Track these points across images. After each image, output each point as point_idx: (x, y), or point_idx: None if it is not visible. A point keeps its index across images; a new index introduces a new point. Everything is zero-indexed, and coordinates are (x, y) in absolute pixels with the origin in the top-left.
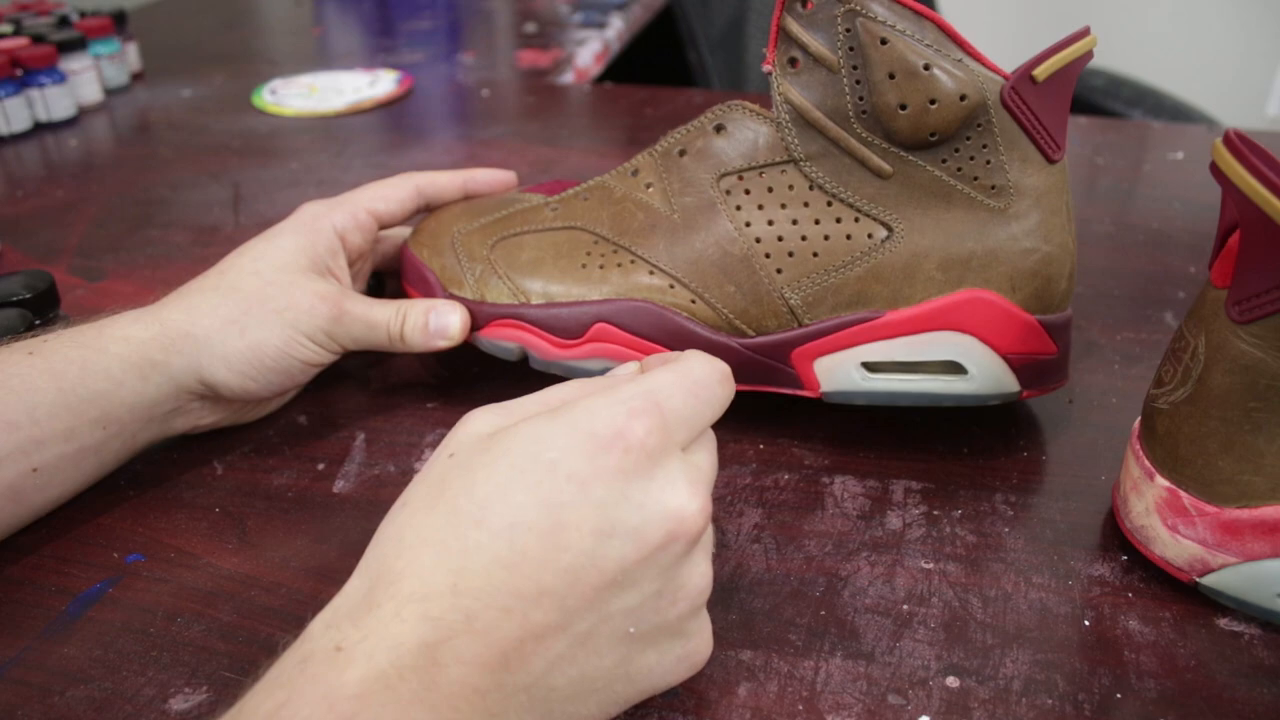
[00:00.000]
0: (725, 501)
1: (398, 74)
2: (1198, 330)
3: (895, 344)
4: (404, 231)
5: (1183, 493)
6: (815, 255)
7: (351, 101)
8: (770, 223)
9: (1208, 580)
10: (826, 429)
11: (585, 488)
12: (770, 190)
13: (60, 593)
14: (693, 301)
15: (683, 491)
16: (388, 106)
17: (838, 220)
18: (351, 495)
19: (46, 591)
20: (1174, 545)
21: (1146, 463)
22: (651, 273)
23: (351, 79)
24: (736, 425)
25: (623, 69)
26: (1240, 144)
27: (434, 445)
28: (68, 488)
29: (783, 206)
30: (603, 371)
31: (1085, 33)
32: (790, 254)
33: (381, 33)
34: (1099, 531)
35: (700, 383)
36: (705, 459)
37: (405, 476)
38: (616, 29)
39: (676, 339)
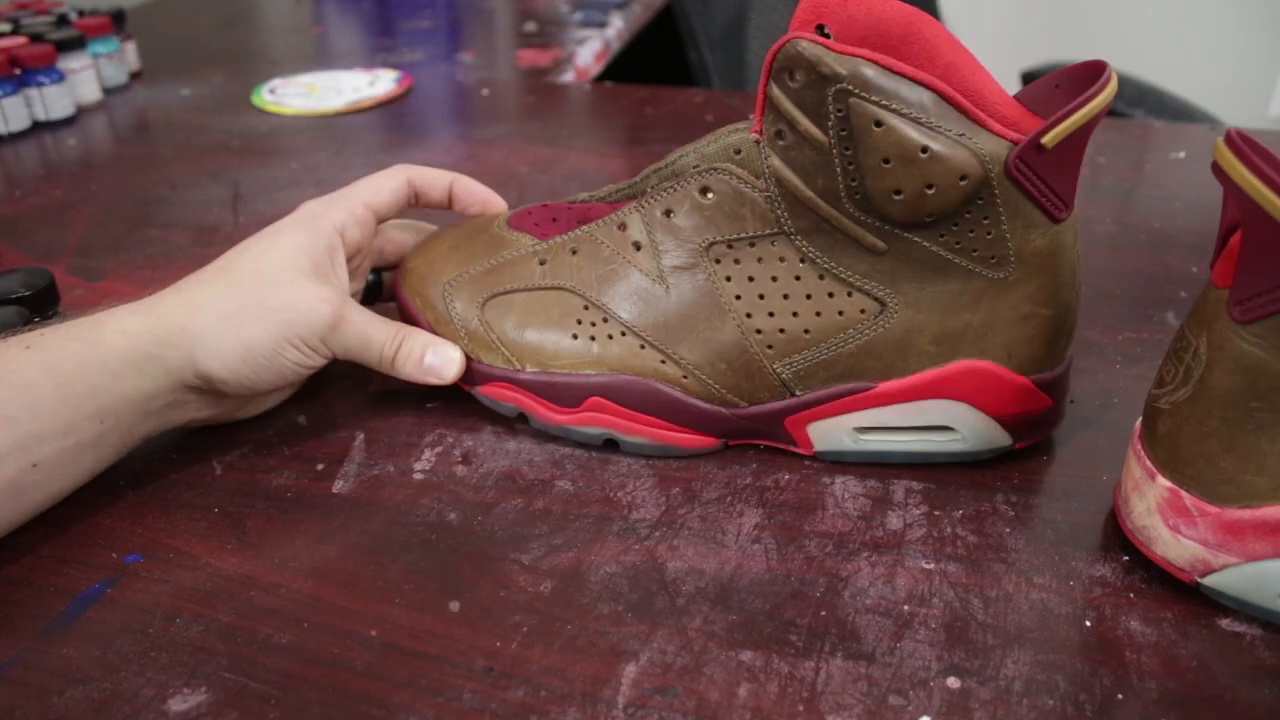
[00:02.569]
0: (725, 501)
1: (397, 73)
2: (1199, 330)
3: (887, 411)
4: (403, 235)
5: (1184, 493)
6: (807, 332)
7: (351, 101)
8: (761, 296)
9: (1209, 581)
10: None
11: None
12: (760, 261)
13: (59, 593)
14: (685, 377)
15: None
16: (387, 106)
17: (830, 295)
18: (351, 495)
19: (45, 592)
20: (1175, 545)
21: (1148, 463)
22: (643, 347)
23: (351, 78)
24: None
25: (623, 68)
26: (1242, 143)
27: (434, 445)
28: (67, 483)
29: (773, 279)
30: (600, 438)
31: (1104, 84)
32: (781, 330)
33: (381, 32)
34: (1100, 532)
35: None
36: None
37: (405, 476)
38: (617, 28)
39: (670, 412)
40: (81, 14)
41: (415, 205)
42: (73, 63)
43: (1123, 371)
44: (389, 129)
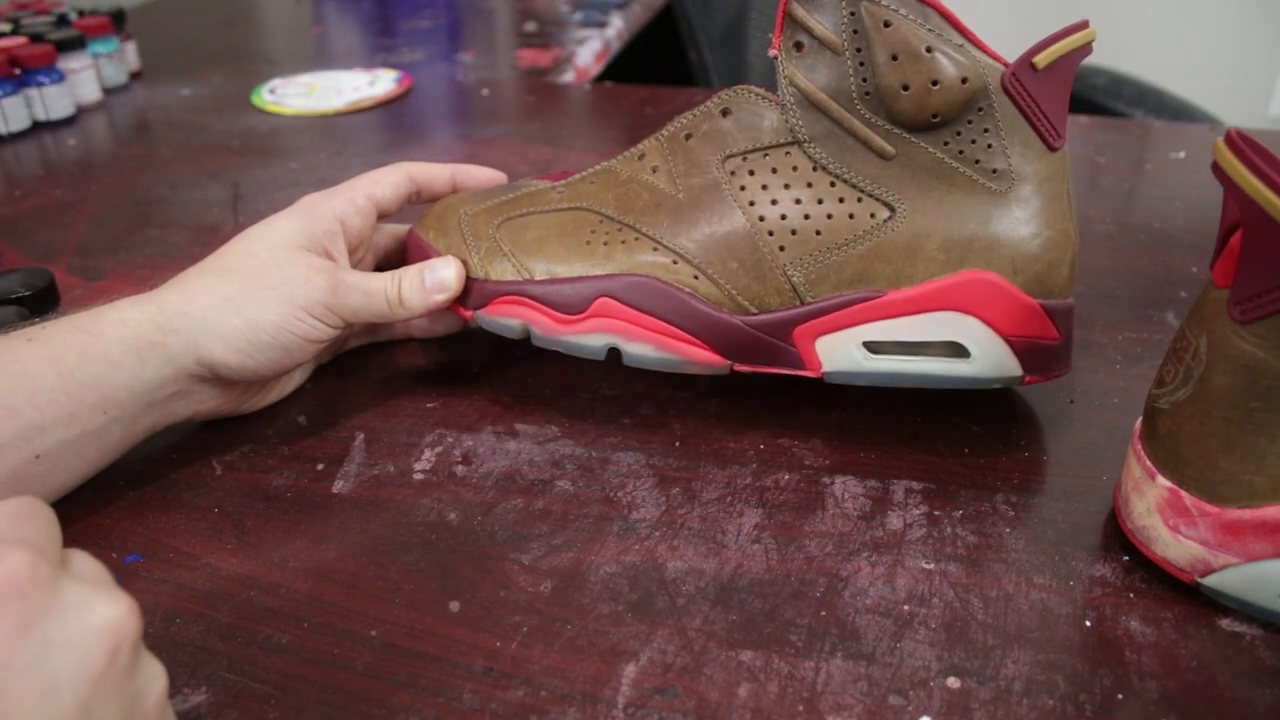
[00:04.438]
0: (725, 501)
1: (397, 73)
2: (1199, 330)
3: (897, 323)
4: (406, 227)
5: (1184, 493)
6: (818, 233)
7: (351, 101)
8: (774, 202)
9: (1209, 581)
10: (827, 429)
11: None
12: (774, 171)
13: None
14: (695, 278)
15: (99, 602)
16: (387, 106)
17: (841, 200)
18: (351, 495)
19: None
20: (1175, 545)
21: (1148, 463)
22: (655, 249)
23: (351, 78)
24: (736, 425)
25: (623, 68)
26: (1242, 143)
27: (433, 445)
28: (70, 476)
29: (786, 187)
30: (604, 349)
31: (1084, 25)
32: (793, 231)
33: (381, 32)
34: (1100, 532)
35: (21, 508)
36: (84, 563)
37: (405, 476)
38: (617, 28)
39: (679, 314)
40: (81, 14)
41: (418, 201)
42: (73, 63)
43: (1123, 371)
44: (389, 129)
